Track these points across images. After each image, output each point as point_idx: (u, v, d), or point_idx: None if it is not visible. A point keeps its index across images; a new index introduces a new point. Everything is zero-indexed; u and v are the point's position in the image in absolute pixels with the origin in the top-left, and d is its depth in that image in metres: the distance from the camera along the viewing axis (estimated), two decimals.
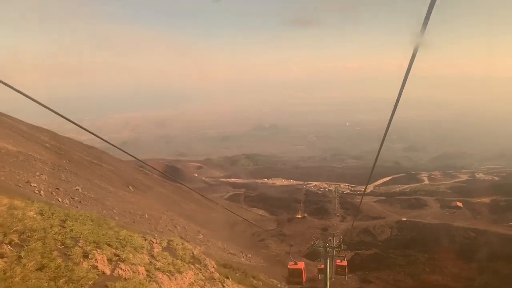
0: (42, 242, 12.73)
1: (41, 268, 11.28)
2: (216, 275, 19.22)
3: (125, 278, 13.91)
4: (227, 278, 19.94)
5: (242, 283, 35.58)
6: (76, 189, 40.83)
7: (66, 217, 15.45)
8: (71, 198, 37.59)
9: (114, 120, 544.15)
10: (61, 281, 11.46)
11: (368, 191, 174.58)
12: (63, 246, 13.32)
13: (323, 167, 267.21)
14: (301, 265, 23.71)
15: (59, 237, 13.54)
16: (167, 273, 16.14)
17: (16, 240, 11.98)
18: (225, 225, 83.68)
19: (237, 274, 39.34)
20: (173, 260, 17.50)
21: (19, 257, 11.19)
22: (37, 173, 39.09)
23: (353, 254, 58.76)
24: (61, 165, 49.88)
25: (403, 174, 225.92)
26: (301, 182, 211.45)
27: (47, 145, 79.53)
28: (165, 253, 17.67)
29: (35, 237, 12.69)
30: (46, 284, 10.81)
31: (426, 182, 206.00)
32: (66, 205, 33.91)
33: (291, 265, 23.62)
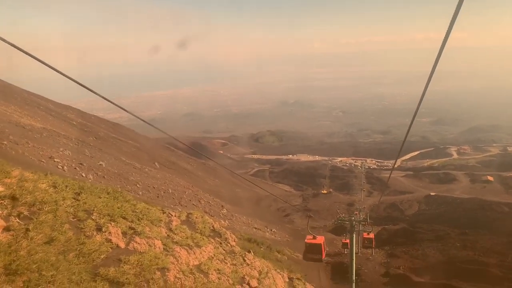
0: (53, 214, 12.22)
1: (49, 241, 10.75)
2: (237, 249, 18.59)
3: (140, 251, 13.35)
4: (249, 252, 19.32)
5: (267, 257, 35.22)
6: (100, 165, 40.90)
7: (80, 190, 14.92)
8: (95, 173, 37.61)
9: (140, 98, 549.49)
10: (71, 254, 10.93)
11: (396, 166, 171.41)
12: (75, 219, 12.80)
13: (349, 142, 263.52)
14: (320, 239, 20.61)
15: (71, 209, 13.01)
16: (185, 247, 15.55)
17: (25, 213, 11.47)
18: (250, 200, 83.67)
19: (261, 249, 39.04)
20: (192, 234, 16.89)
21: (27, 230, 10.66)
22: (61, 149, 39.25)
23: (380, 229, 57.56)
24: (85, 141, 50.14)
25: (431, 149, 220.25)
26: (326, 158, 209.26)
27: (74, 122, 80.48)
28: (184, 227, 17.08)
29: (46, 209, 12.18)
30: (54, 258, 10.28)
31: (455, 156, 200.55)
32: (90, 180, 33.91)
33: (309, 240, 20.47)
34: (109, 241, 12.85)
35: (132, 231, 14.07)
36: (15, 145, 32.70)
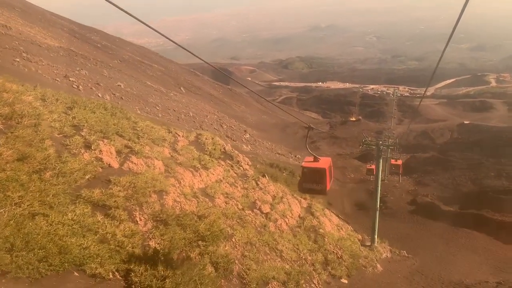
0: (34, 129, 10.77)
1: (22, 158, 9.36)
2: (250, 172, 17.14)
3: (135, 172, 11.95)
4: (263, 176, 17.87)
5: (289, 182, 34.19)
6: (118, 85, 39.62)
7: (73, 104, 13.38)
8: (112, 93, 36.40)
9: (168, 22, 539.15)
10: (47, 174, 9.54)
11: (429, 93, 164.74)
12: (61, 135, 11.34)
13: (382, 69, 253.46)
14: (324, 162, 11.80)
15: (57, 124, 11.52)
16: (190, 169, 14.13)
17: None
18: (276, 127, 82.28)
19: (283, 174, 38.00)
20: (199, 155, 15.44)
21: None
22: (78, 68, 37.93)
23: (408, 156, 55.40)
24: (104, 61, 48.62)
25: (468, 76, 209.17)
26: (357, 85, 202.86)
27: (98, 45, 78.85)
28: (191, 147, 15.60)
29: (25, 123, 10.71)
30: (25, 177, 8.95)
31: (494, 84, 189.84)
32: (107, 100, 32.71)
33: (307, 163, 11.71)
34: (100, 160, 11.43)
35: (129, 150, 12.62)
36: (28, 62, 31.43)
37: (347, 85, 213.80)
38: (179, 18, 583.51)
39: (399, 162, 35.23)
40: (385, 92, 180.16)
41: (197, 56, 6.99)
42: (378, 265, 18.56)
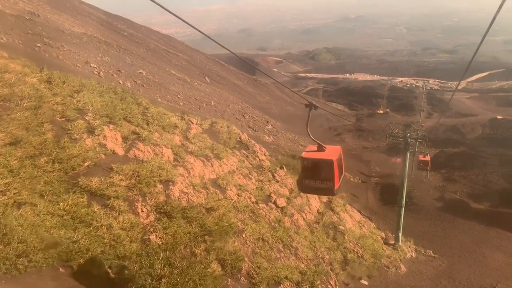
0: (33, 112, 10.12)
1: (15, 142, 8.71)
2: (267, 163, 16.20)
3: (141, 160, 11.20)
4: (281, 167, 16.88)
5: None
6: (140, 73, 39.22)
7: (81, 88, 12.72)
8: (133, 81, 36.01)
9: (196, 13, 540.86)
10: (42, 159, 8.88)
11: (460, 87, 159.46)
12: (63, 119, 10.66)
13: (412, 61, 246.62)
14: (332, 152, 8.31)
15: (59, 107, 10.84)
16: (201, 158, 13.31)
17: None
18: (300, 118, 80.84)
19: None
20: (213, 144, 14.61)
21: None
22: (100, 55, 37.65)
23: (437, 151, 53.30)
24: (128, 48, 48.38)
25: (502, 70, 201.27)
26: (385, 78, 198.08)
27: (125, 33, 79.09)
28: (204, 136, 14.78)
29: (24, 105, 10.11)
30: (16, 163, 8.29)
31: None
32: (127, 88, 32.32)
33: (309, 153, 8.34)
34: (103, 146, 10.73)
35: (136, 136, 11.87)
36: (49, 48, 31.24)
37: (375, 77, 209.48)
38: (208, 8, 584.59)
39: (428, 158, 33.68)
40: (414, 85, 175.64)
41: (222, 46, 6.45)
42: (402, 266, 17.41)
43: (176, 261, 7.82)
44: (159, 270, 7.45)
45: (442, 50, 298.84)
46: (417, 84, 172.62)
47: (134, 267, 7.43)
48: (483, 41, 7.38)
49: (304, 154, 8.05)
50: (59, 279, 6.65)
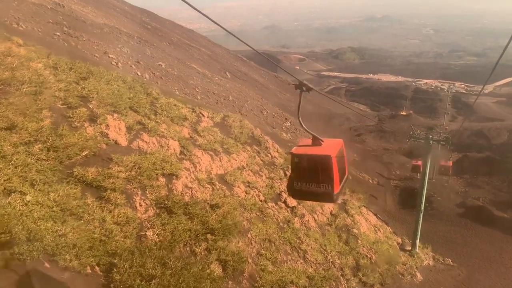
0: (33, 97, 9.73)
1: (11, 127, 8.29)
2: (279, 160, 15.53)
3: (144, 151, 10.71)
4: None
5: None
6: (159, 65, 38.99)
7: (88, 75, 12.29)
8: (152, 73, 35.79)
9: (220, 9, 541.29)
10: (37, 147, 8.46)
11: (486, 91, 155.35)
12: (64, 106, 10.25)
13: (438, 63, 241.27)
14: (332, 146, 6.18)
15: (61, 94, 10.43)
16: (210, 152, 12.75)
17: None
18: (320, 117, 79.91)
19: None
20: (223, 138, 14.05)
21: None
22: (119, 46, 37.50)
23: (460, 156, 51.67)
24: (148, 40, 48.26)
25: None
26: (410, 79, 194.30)
27: (148, 26, 79.35)
28: (215, 129, 14.23)
29: (24, 90, 9.73)
30: (9, 148, 7.82)
31: None
32: (146, 80, 32.09)
33: (301, 147, 6.28)
34: (105, 135, 10.26)
35: (141, 126, 11.38)
36: (68, 37, 31.23)
37: (400, 78, 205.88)
38: (232, 4, 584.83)
39: (449, 163, 32.51)
40: (439, 87, 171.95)
41: (244, 43, 5.91)
42: (418, 274, 16.55)
43: (170, 260, 7.28)
44: (150, 270, 6.92)
45: (470, 53, 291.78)
46: (442, 87, 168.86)
47: (124, 266, 6.92)
48: (510, 44, 6.49)
49: (294, 150, 6.11)
50: (41, 275, 6.16)
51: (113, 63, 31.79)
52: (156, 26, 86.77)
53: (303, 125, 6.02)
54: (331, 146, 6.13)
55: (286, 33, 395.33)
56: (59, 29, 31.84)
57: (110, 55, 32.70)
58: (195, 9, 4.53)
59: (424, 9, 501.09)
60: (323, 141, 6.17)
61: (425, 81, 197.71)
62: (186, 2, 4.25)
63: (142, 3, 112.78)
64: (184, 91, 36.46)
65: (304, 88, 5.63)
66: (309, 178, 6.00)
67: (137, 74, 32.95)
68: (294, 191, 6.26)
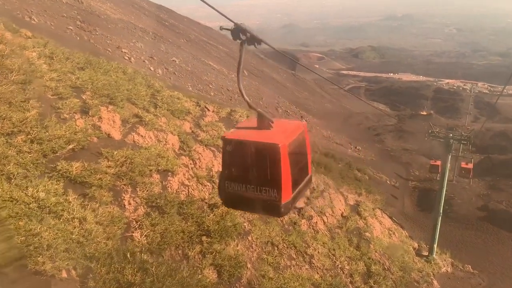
0: (21, 87, 9.20)
1: None
2: None
3: (139, 146, 10.06)
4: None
5: (343, 175, 31.31)
6: (173, 61, 38.58)
7: (86, 65, 11.74)
8: (165, 68, 35.40)
9: (239, 7, 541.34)
10: (19, 138, 7.90)
11: (511, 91, 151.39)
12: (54, 96, 9.70)
13: (460, 63, 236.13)
14: (285, 132, 3.51)
15: (53, 84, 9.88)
16: (212, 148, 12.07)
17: None
18: (338, 115, 78.70)
19: (339, 165, 35.14)
20: None
21: None
22: (133, 41, 37.25)
23: (483, 157, 49.98)
24: (163, 36, 47.95)
25: None
26: (431, 79, 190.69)
27: (166, 23, 79.38)
28: (220, 124, 13.51)
29: (12, 78, 9.20)
30: None
31: None
32: (158, 75, 31.64)
33: (239, 131, 3.65)
34: (97, 128, 9.64)
35: (137, 119, 10.74)
36: (81, 31, 31.00)
37: (421, 77, 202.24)
38: (252, 3, 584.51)
39: (470, 166, 31.28)
40: (461, 87, 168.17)
41: (263, 41, 4.93)
42: (435, 282, 15.54)
43: (152, 266, 6.58)
44: (129, 276, 6.24)
45: (493, 53, 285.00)
46: (465, 87, 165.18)
47: (101, 271, 6.27)
48: None
49: (228, 134, 3.63)
50: (6, 280, 5.54)
51: (126, 57, 31.47)
52: (174, 23, 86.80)
53: (245, 96, 3.63)
54: (283, 131, 3.63)
55: (305, 31, 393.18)
56: (72, 23, 31.65)
57: (123, 50, 32.41)
58: (211, 6, 3.73)
59: (447, 8, 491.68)
60: (272, 123, 3.70)
61: (447, 80, 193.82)
62: (204, 2, 3.37)
63: (159, 1, 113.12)
64: (197, 87, 36.00)
65: (244, 37, 3.38)
66: (247, 178, 3.48)
67: (150, 69, 32.60)
68: (226, 195, 3.69)
